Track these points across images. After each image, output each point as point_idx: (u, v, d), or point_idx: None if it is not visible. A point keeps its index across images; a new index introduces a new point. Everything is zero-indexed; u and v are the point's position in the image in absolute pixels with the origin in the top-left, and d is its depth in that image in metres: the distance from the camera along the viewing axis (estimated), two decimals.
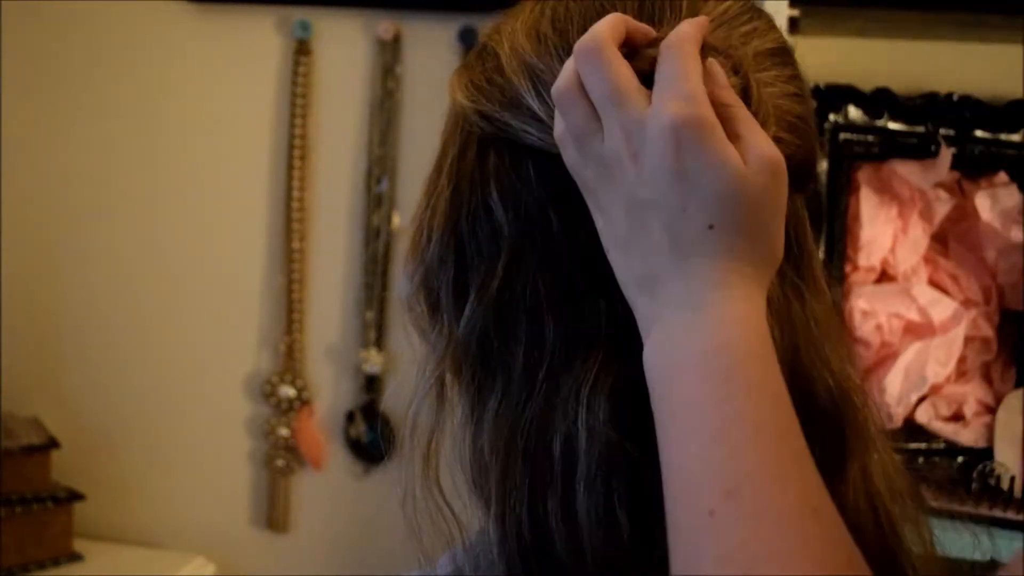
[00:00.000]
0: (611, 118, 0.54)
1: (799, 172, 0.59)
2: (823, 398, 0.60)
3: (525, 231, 0.59)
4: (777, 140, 0.55)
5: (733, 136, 0.53)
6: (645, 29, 0.56)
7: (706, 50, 0.56)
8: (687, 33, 0.54)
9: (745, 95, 0.56)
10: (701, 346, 0.52)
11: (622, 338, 0.57)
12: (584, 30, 0.57)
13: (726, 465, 0.49)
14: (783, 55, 0.62)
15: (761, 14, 0.63)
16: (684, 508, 0.50)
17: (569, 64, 0.55)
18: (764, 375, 0.51)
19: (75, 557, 1.52)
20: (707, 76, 0.55)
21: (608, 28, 0.55)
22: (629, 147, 0.53)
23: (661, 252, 0.53)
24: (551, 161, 0.58)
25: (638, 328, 0.56)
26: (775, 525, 0.48)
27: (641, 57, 0.55)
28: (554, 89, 0.55)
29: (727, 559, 0.48)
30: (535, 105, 0.58)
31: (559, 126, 0.56)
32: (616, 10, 0.58)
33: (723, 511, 0.48)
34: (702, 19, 0.56)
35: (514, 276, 0.59)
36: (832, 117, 1.37)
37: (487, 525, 0.59)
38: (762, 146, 0.53)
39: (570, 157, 0.56)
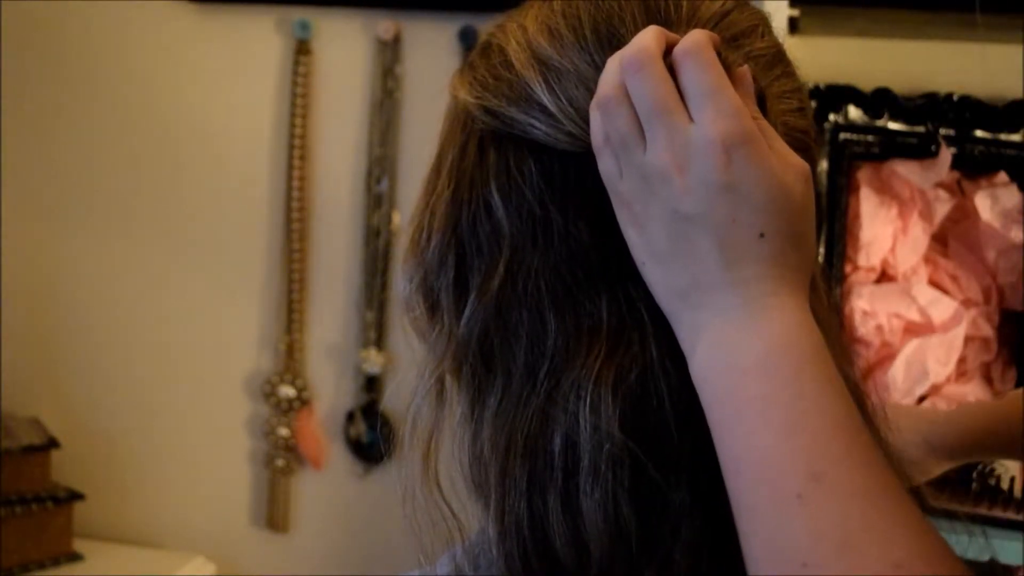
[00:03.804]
0: (657, 131, 0.54)
1: None
2: None
3: (526, 228, 0.59)
4: None
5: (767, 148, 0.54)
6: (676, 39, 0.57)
7: (726, 60, 0.56)
8: (701, 40, 0.55)
9: (761, 105, 0.57)
10: (763, 348, 0.53)
11: (623, 333, 0.58)
12: (596, 28, 0.59)
13: (808, 452, 0.50)
14: (783, 62, 0.62)
15: (760, 16, 0.63)
16: (764, 496, 0.51)
17: (613, 73, 0.56)
18: (830, 374, 0.53)
19: (75, 557, 1.53)
20: (737, 84, 0.56)
21: (653, 40, 0.55)
22: (675, 160, 0.54)
23: (709, 263, 0.54)
24: (552, 157, 0.59)
25: (637, 325, 0.57)
26: (869, 501, 0.49)
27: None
28: (599, 96, 0.56)
29: (823, 534, 0.49)
30: (545, 98, 0.58)
31: (598, 134, 0.56)
32: (624, 11, 0.59)
33: (812, 493, 0.49)
34: (712, 34, 0.56)
35: (515, 274, 0.59)
36: (832, 117, 1.37)
37: (487, 524, 0.60)
38: (792, 157, 0.55)
39: (607, 167, 0.56)
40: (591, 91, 0.57)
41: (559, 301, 0.59)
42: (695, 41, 0.55)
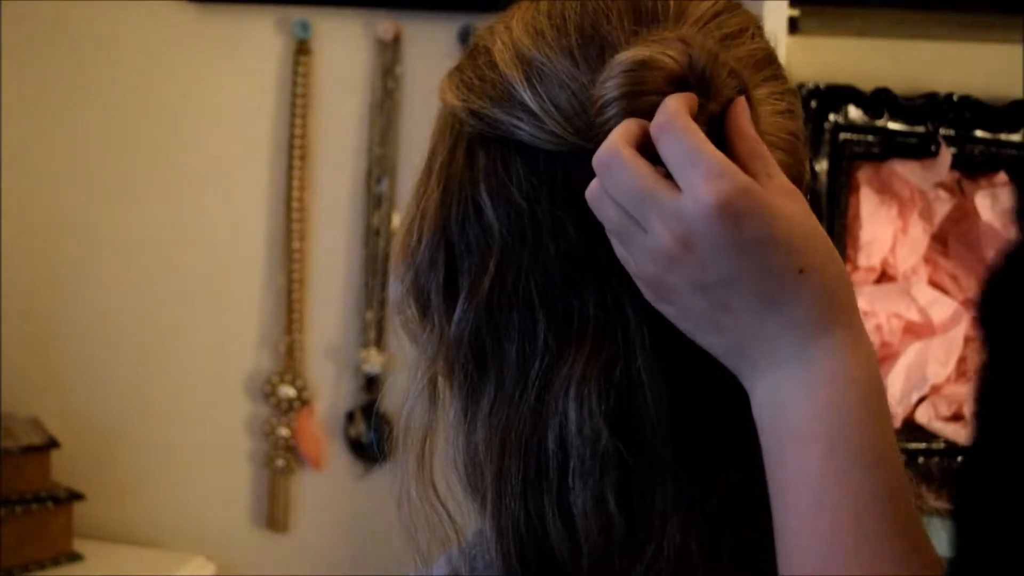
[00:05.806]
0: (649, 218, 0.53)
1: None
2: None
3: (515, 228, 0.59)
4: None
5: (765, 176, 0.53)
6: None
7: (717, 66, 0.55)
8: (669, 110, 0.53)
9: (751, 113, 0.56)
10: (808, 408, 0.52)
11: (609, 330, 0.58)
12: (580, 27, 0.58)
13: (823, 540, 0.50)
14: (772, 64, 0.62)
15: (751, 18, 0.62)
16: None
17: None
18: (870, 432, 0.52)
19: (75, 557, 1.52)
20: (740, 109, 0.55)
21: (619, 134, 0.54)
22: (677, 239, 0.52)
23: (755, 317, 0.53)
24: (540, 158, 0.58)
25: (622, 322, 0.57)
26: None
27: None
28: (587, 195, 0.55)
29: None
30: (527, 97, 0.58)
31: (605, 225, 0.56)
32: (610, 10, 0.58)
33: None
34: (688, 96, 0.54)
35: (505, 274, 0.59)
36: (832, 117, 1.37)
37: (483, 524, 0.60)
38: (785, 181, 0.54)
39: (620, 253, 0.56)
40: (574, 91, 0.57)
41: (548, 299, 0.59)
42: (665, 115, 0.53)
